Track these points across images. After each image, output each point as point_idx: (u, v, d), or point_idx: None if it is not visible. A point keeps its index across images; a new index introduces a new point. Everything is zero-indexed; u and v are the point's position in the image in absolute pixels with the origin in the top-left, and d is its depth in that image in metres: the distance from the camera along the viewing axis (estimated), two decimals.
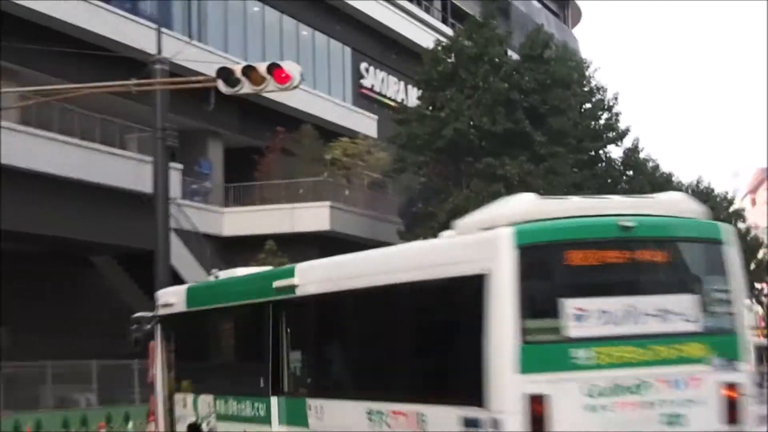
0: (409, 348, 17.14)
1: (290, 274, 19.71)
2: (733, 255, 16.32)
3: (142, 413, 31.37)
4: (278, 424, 19.08)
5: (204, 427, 21.19)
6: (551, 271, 15.82)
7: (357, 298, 18.02)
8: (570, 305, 14.75)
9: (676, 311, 15.26)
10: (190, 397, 23.23)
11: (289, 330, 19.70)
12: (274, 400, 19.30)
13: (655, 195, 17.63)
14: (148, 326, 24.31)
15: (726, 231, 16.78)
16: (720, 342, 15.43)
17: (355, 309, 18.64)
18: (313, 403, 18.11)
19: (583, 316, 14.89)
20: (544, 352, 14.96)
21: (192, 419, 21.85)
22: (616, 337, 14.78)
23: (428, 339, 16.42)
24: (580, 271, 15.63)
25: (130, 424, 30.97)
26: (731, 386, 15.32)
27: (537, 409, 13.62)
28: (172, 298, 23.75)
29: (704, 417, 15.16)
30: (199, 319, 23.61)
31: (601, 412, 14.27)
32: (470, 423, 13.97)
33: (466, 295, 15.04)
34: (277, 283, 19.86)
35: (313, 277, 19.27)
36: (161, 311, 23.84)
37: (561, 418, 13.83)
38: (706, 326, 15.30)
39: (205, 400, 21.49)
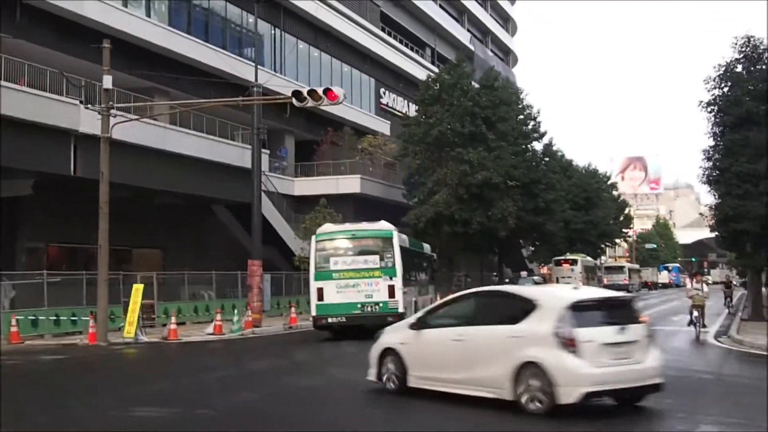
0: None
1: None
2: (395, 242, 26.24)
3: (242, 304, 32.23)
4: None
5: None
6: (326, 249, 26.01)
7: None
8: (332, 260, 25.69)
9: (372, 261, 25.75)
10: None
11: None
12: None
13: (371, 224, 27.47)
14: None
15: (392, 231, 26.72)
16: (387, 272, 25.50)
17: None
18: None
19: (338, 262, 25.63)
20: (325, 273, 25.54)
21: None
22: (349, 269, 25.48)
23: None
24: (333, 250, 26.12)
25: (235, 311, 30.42)
26: (390, 285, 25.40)
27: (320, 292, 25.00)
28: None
29: (380, 293, 25.51)
30: None
31: (341, 292, 25.11)
32: None
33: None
34: None
35: None
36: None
37: (326, 293, 25.16)
38: (382, 267, 25.57)
39: None
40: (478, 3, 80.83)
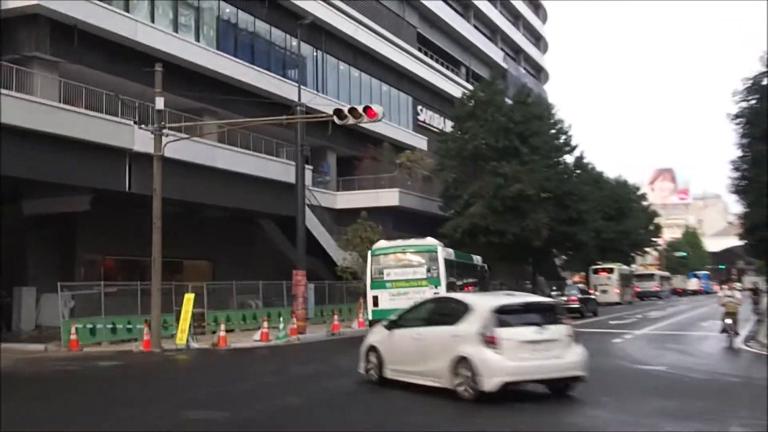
0: None
1: None
2: (440, 255, 27.92)
3: (288, 312, 32.04)
4: None
5: None
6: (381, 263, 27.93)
7: None
8: (386, 272, 27.66)
9: (420, 272, 27.52)
10: None
11: None
12: None
13: (419, 239, 29.63)
14: None
15: (437, 246, 28.55)
16: (432, 281, 27.08)
17: None
18: None
19: (390, 273, 27.66)
20: (379, 282, 27.64)
21: None
22: (400, 279, 27.32)
23: None
24: (386, 263, 27.99)
25: (281, 319, 30.17)
26: (435, 293, 25.25)
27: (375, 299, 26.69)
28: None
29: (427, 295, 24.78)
30: None
31: (394, 299, 26.08)
32: None
33: None
34: None
35: None
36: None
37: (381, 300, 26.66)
38: (428, 277, 27.29)
39: None
40: (511, 22, 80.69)
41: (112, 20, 30.35)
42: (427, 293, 26.18)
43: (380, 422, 11.93)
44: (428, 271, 27.70)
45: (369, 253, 28.99)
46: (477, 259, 36.68)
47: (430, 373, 13.92)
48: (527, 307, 14.10)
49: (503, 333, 12.90)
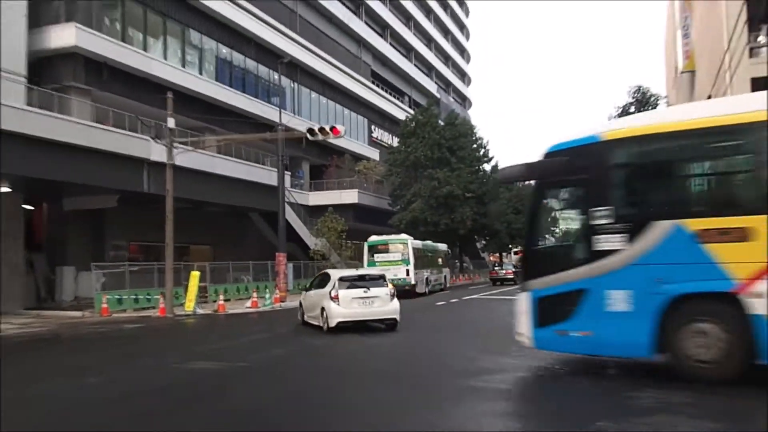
0: None
1: None
2: (409, 244, 31.37)
3: (272, 285, 32.21)
4: None
5: None
6: (372, 250, 31.23)
7: None
8: (375, 256, 31.52)
9: (397, 256, 30.64)
10: None
11: None
12: None
13: (396, 235, 32.44)
14: None
15: (408, 239, 31.76)
16: (405, 261, 30.37)
17: None
18: None
19: (378, 257, 31.11)
20: (371, 262, 31.10)
21: None
22: (384, 261, 30.56)
23: None
24: (376, 250, 31.73)
25: (267, 291, 30.48)
26: (407, 269, 30.86)
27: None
28: None
29: (402, 274, 31.09)
30: None
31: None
32: None
33: None
34: None
35: None
36: None
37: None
38: (403, 259, 30.56)
39: None
40: (443, 63, 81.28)
41: (133, 57, 30.10)
42: (402, 269, 31.18)
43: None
44: (402, 255, 31.56)
45: (365, 244, 32.20)
46: (442, 246, 40.73)
47: (315, 318, 17.34)
48: (361, 277, 16.85)
49: (341, 293, 16.31)
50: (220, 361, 12.37)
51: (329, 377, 10.48)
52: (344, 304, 16.21)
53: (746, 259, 8.19)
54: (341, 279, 16.56)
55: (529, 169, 9.88)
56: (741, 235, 8.24)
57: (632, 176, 9.34)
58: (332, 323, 16.11)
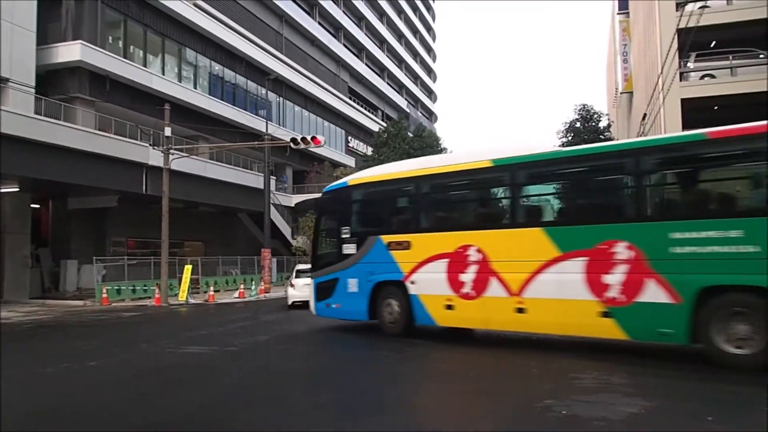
0: None
1: None
2: None
3: (257, 278, 32.14)
4: None
5: None
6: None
7: None
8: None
9: None
10: None
11: None
12: None
13: None
14: None
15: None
16: None
17: None
18: None
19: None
20: None
21: None
22: None
23: None
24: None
25: (253, 283, 30.45)
26: None
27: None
28: None
29: None
30: None
31: None
32: None
33: None
34: None
35: None
36: None
37: None
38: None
39: None
40: (412, 81, 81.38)
41: (134, 72, 29.67)
42: None
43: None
44: None
45: None
46: None
47: (298, 297, 19.96)
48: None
49: (296, 281, 20.11)
50: (209, 345, 12.26)
51: (308, 360, 10.42)
52: (298, 289, 19.78)
53: (408, 260, 11.72)
54: (298, 271, 20.58)
55: (314, 203, 17.18)
56: (406, 246, 11.77)
57: (360, 208, 13.07)
58: (289, 302, 20.34)
